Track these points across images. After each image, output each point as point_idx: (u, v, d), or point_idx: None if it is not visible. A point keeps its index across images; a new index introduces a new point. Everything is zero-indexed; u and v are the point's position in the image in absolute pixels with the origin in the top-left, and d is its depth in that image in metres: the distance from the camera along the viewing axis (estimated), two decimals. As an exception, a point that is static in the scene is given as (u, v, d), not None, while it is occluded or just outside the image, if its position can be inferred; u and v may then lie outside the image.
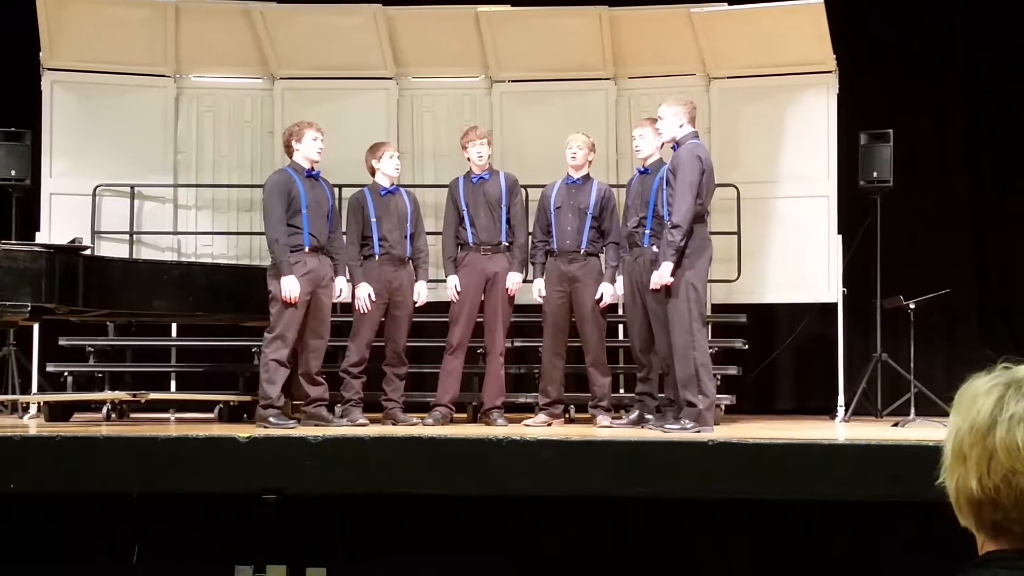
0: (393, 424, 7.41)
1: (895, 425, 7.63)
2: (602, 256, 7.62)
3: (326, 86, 9.36)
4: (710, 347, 7.26)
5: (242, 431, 6.21)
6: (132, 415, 8.23)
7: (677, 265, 6.68)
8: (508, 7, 9.23)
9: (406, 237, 7.60)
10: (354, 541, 5.92)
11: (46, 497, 5.82)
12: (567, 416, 7.92)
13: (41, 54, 9.00)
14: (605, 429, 7.20)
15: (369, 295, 7.44)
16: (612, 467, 5.65)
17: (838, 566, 5.65)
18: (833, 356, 8.61)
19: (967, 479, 1.65)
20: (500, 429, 7.06)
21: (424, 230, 7.81)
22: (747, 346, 8.60)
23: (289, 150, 7.37)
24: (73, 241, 7.48)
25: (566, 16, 9.20)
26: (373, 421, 7.41)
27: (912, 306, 8.15)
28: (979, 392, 1.67)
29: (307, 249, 7.18)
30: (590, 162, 7.68)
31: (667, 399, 7.10)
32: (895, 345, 8.57)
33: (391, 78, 9.37)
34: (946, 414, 1.90)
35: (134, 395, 8.07)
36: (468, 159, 7.71)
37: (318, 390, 7.31)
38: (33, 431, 6.98)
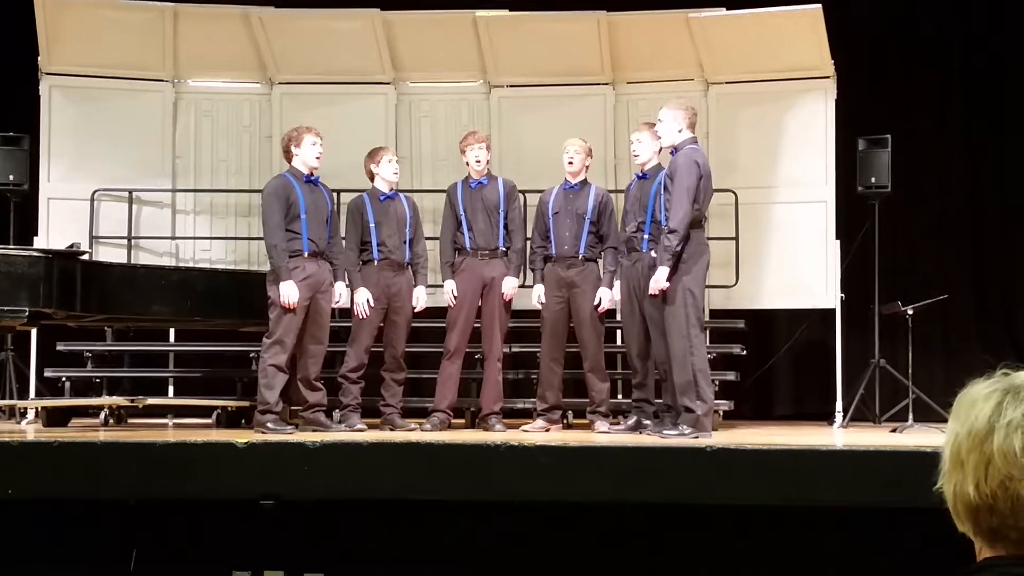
0: (391, 430, 7.40)
1: (893, 431, 7.63)
2: (600, 261, 7.62)
3: (325, 91, 9.36)
4: (708, 353, 7.26)
5: (240, 436, 6.20)
6: (130, 420, 8.23)
7: (674, 270, 6.68)
8: (506, 12, 9.24)
9: (405, 242, 7.60)
10: (352, 547, 5.91)
11: (43, 502, 5.81)
12: (565, 422, 7.92)
13: (39, 58, 9.01)
14: (603, 435, 7.19)
15: (368, 300, 7.44)
16: (610, 473, 5.65)
17: (836, 572, 5.64)
18: (831, 362, 8.61)
19: (964, 485, 1.65)
20: (498, 435, 7.06)
21: (423, 235, 7.81)
22: (745, 352, 8.60)
23: (288, 155, 7.36)
24: (71, 246, 7.47)
25: (564, 21, 9.20)
26: (371, 427, 7.41)
27: (910, 312, 8.15)
28: (977, 398, 1.67)
29: (306, 254, 7.17)
30: (587, 167, 7.68)
31: (665, 405, 7.09)
32: (893, 351, 8.57)
33: (390, 83, 9.38)
34: (944, 420, 1.90)
35: (132, 400, 8.07)
36: (467, 163, 7.71)
37: (317, 395, 7.30)
38: (31, 436, 6.98)
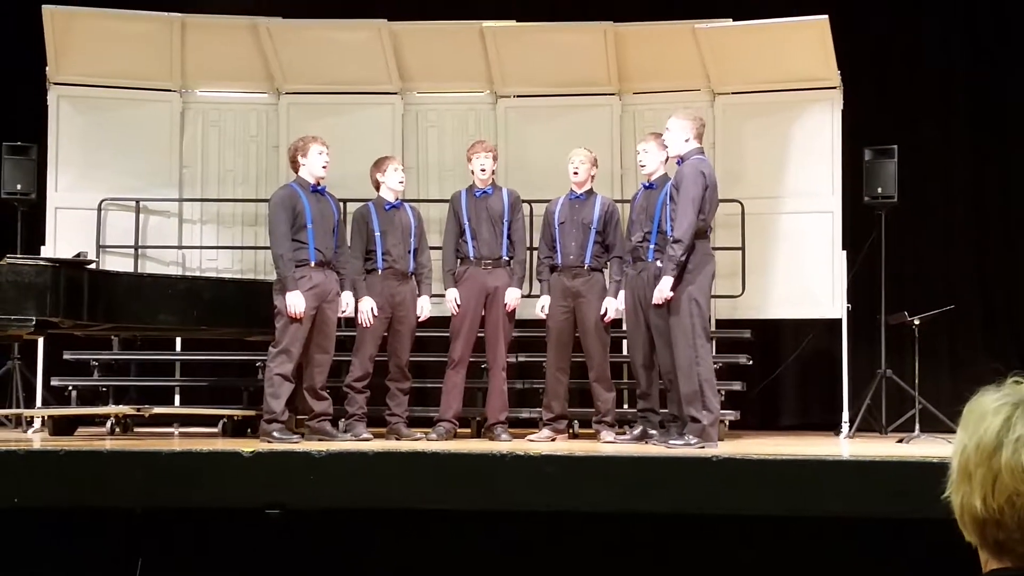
0: (397, 439, 7.40)
1: (899, 441, 7.62)
2: (606, 271, 7.62)
3: (332, 101, 9.37)
4: (714, 362, 7.26)
5: (246, 446, 6.20)
6: (136, 429, 8.23)
7: (679, 280, 6.68)
8: (513, 23, 9.26)
9: (409, 252, 7.60)
10: (357, 556, 5.91)
11: (50, 511, 5.82)
12: (571, 431, 7.91)
13: (47, 68, 9.03)
14: (609, 445, 7.19)
15: (372, 309, 7.45)
16: (616, 483, 5.64)
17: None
18: (837, 372, 8.60)
19: (971, 498, 1.65)
20: (504, 444, 7.05)
21: (427, 245, 7.81)
22: (751, 362, 8.59)
23: (294, 165, 7.38)
24: (78, 255, 7.49)
25: (571, 32, 9.22)
26: (377, 436, 7.41)
27: (917, 322, 8.14)
28: (987, 411, 1.66)
29: (313, 264, 7.18)
30: (593, 177, 7.69)
31: (671, 415, 7.09)
32: (900, 361, 8.55)
33: (396, 93, 9.39)
34: (951, 431, 1.90)
35: (138, 409, 8.08)
36: (472, 172, 7.72)
37: (322, 405, 7.31)
38: (37, 445, 6.99)
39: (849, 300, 8.56)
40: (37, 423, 8.20)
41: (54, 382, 8.57)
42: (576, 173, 7.59)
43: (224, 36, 9.27)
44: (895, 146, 8.61)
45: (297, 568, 5.88)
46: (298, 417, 7.55)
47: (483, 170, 7.66)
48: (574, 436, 7.95)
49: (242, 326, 7.94)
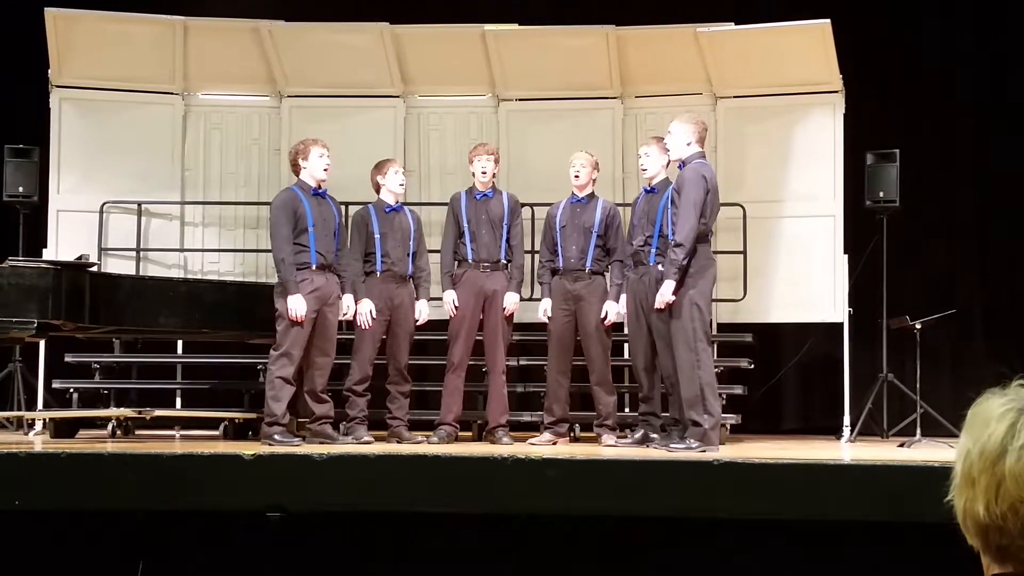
0: (398, 442, 7.40)
1: (901, 446, 7.60)
2: (607, 275, 7.62)
3: (333, 104, 9.38)
4: (716, 366, 7.26)
5: (247, 448, 6.20)
6: (137, 432, 8.24)
7: (680, 284, 6.68)
8: (515, 26, 9.26)
9: (408, 255, 7.61)
10: (358, 559, 5.91)
11: (51, 514, 5.82)
12: (572, 435, 7.91)
13: (50, 71, 9.04)
14: (610, 448, 7.19)
15: (371, 311, 7.45)
16: (617, 486, 5.64)
17: (844, 587, 5.63)
18: (839, 376, 8.60)
19: (975, 503, 1.64)
20: (505, 448, 7.06)
21: (426, 249, 7.81)
22: (753, 365, 8.59)
23: (296, 168, 7.38)
24: (80, 258, 7.50)
25: (573, 35, 9.22)
26: (378, 439, 7.41)
27: (918, 326, 8.14)
28: (991, 416, 1.65)
29: (314, 267, 7.18)
30: (594, 180, 7.69)
31: (672, 418, 7.09)
32: (901, 365, 8.55)
33: (398, 96, 9.40)
34: (952, 435, 1.90)
35: (139, 412, 8.08)
36: (473, 174, 7.73)
37: (323, 408, 7.31)
38: (39, 448, 6.98)
39: (850, 304, 8.56)
40: (38, 425, 8.20)
41: (55, 384, 8.58)
42: (577, 176, 7.59)
43: (226, 39, 9.28)
44: (897, 150, 8.62)
45: (298, 571, 5.88)
46: (299, 420, 7.55)
47: (484, 172, 7.66)
48: (575, 440, 7.95)
49: (243, 329, 7.94)
